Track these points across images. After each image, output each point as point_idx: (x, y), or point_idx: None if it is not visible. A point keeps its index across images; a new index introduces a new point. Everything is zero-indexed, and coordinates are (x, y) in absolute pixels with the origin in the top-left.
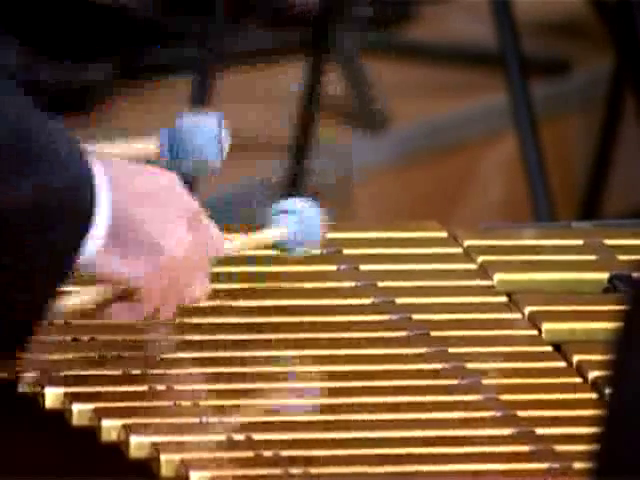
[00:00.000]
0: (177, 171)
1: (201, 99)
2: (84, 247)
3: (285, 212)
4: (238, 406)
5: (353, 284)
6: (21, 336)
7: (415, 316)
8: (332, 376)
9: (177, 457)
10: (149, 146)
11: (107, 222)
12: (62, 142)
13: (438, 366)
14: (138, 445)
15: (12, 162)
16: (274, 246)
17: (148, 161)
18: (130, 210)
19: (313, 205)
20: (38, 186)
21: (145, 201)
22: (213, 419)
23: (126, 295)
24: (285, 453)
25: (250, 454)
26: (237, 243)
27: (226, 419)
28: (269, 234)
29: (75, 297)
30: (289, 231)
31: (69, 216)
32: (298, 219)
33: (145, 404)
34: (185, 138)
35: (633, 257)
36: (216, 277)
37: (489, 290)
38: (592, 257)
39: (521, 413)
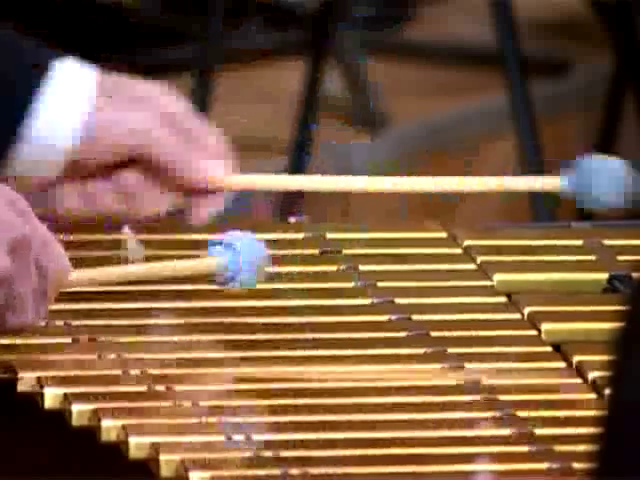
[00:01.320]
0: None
1: (201, 99)
2: None
3: (220, 244)
4: (238, 406)
5: (352, 284)
6: None
7: (414, 316)
8: (332, 376)
9: (177, 457)
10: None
11: None
12: None
13: (438, 366)
14: (138, 445)
15: None
16: (207, 276)
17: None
18: None
19: (251, 241)
20: None
21: None
22: (212, 419)
23: None
24: (285, 453)
25: (250, 454)
26: (92, 274)
27: (226, 419)
28: (197, 263)
29: None
30: (219, 263)
31: None
32: (232, 253)
33: (145, 404)
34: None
35: (632, 257)
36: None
37: (489, 290)
38: (591, 257)
39: (521, 413)
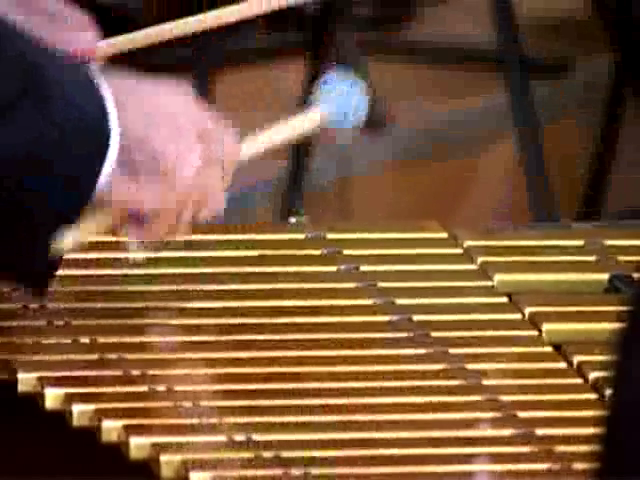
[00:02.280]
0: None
1: (201, 99)
2: (100, 172)
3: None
4: (238, 407)
5: (353, 285)
6: (50, 265)
7: (415, 317)
8: (332, 377)
9: (177, 458)
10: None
11: (117, 145)
12: (71, 73)
13: (438, 367)
14: (138, 446)
15: (23, 95)
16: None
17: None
18: (138, 132)
19: (348, 83)
20: (49, 117)
21: (153, 121)
22: (213, 420)
23: (136, 217)
24: (285, 454)
25: (250, 455)
26: (258, 142)
27: (226, 420)
28: (302, 119)
29: (76, 231)
30: (326, 111)
31: (83, 144)
32: (334, 97)
33: (145, 405)
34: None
35: (633, 258)
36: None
37: (489, 291)
38: (592, 258)
39: (521, 414)
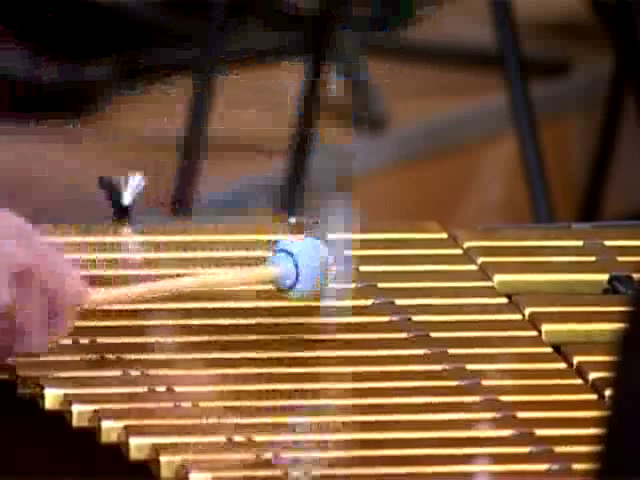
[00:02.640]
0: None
1: (201, 100)
2: None
3: (283, 251)
4: (238, 407)
5: (352, 285)
6: None
7: (415, 317)
8: (332, 377)
9: (177, 458)
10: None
11: None
12: None
13: (438, 367)
14: (138, 446)
15: None
16: (271, 282)
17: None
18: None
19: (314, 247)
20: None
21: None
22: (213, 420)
23: None
24: (285, 454)
25: (250, 456)
26: (110, 294)
27: (226, 420)
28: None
29: None
30: (278, 273)
31: None
32: (293, 260)
33: (145, 405)
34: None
35: (633, 258)
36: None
37: (489, 291)
38: (592, 258)
39: (521, 414)
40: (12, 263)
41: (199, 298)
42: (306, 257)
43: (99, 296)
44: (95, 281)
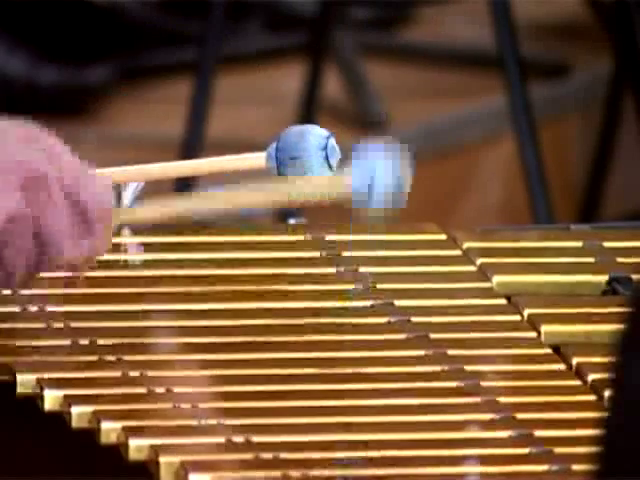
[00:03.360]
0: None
1: (201, 101)
2: None
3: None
4: (237, 408)
5: (352, 286)
6: None
7: (414, 318)
8: (331, 378)
9: (176, 459)
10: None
11: None
12: None
13: (437, 368)
14: (137, 447)
15: None
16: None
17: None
18: None
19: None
20: None
21: None
22: (212, 421)
23: None
24: (284, 455)
25: (249, 456)
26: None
27: (225, 421)
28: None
29: None
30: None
31: None
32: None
33: (144, 406)
34: (289, 146)
35: (632, 259)
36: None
37: (488, 292)
38: (591, 259)
39: (520, 415)
40: (24, 168)
41: (199, 299)
42: (382, 177)
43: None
44: (95, 283)
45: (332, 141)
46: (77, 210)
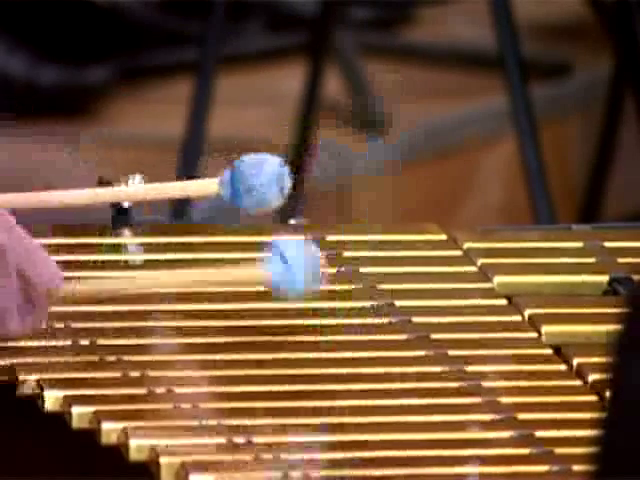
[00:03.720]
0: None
1: (201, 102)
2: None
3: (275, 252)
4: (238, 409)
5: (352, 286)
6: None
7: (415, 319)
8: (331, 379)
9: (177, 460)
10: (209, 186)
11: None
12: None
13: (438, 368)
14: (138, 448)
15: None
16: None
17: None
18: None
19: (304, 249)
20: None
21: None
22: (213, 422)
23: None
24: (285, 456)
25: (250, 457)
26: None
27: (226, 422)
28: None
29: None
30: (270, 274)
31: None
32: (282, 261)
33: (145, 407)
34: (246, 177)
35: (633, 260)
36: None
37: (489, 293)
38: (592, 260)
39: (521, 416)
40: None
41: (199, 300)
42: (298, 258)
43: (74, 285)
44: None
45: (286, 170)
46: (26, 286)
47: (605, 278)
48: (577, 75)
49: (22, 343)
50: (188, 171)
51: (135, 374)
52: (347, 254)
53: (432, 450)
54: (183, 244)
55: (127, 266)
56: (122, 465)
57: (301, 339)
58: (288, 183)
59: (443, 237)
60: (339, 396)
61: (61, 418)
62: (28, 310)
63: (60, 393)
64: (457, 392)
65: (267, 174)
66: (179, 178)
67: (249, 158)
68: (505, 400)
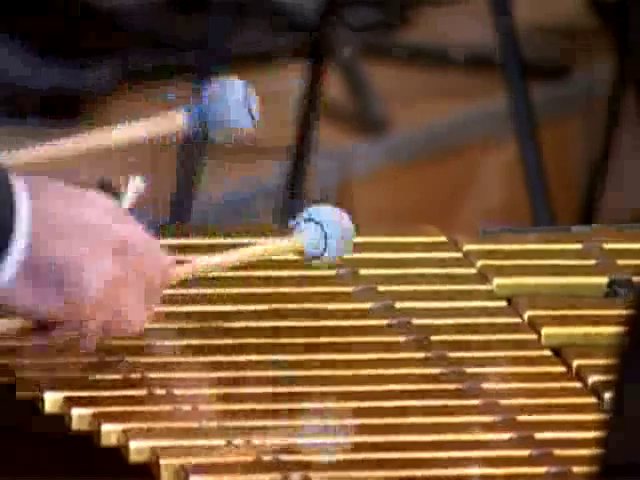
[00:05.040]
0: (208, 140)
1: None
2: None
3: (310, 220)
4: (238, 410)
5: (352, 288)
6: None
7: (414, 320)
8: (331, 380)
9: (177, 462)
10: (176, 120)
11: (24, 253)
12: None
13: (437, 370)
14: (138, 449)
15: None
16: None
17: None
18: (47, 239)
19: (337, 218)
20: None
21: (65, 230)
22: (213, 423)
23: (40, 324)
24: (285, 458)
25: (250, 459)
26: (199, 263)
27: (226, 423)
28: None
29: None
30: (308, 241)
31: None
32: (315, 229)
33: (145, 408)
34: (213, 107)
35: (633, 261)
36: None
37: (488, 294)
38: (592, 261)
39: (520, 417)
40: (113, 238)
41: (200, 300)
42: (333, 225)
43: (182, 269)
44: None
45: (250, 89)
46: (144, 279)
47: (605, 280)
48: (577, 76)
49: (21, 344)
50: (188, 172)
51: (135, 376)
52: (347, 256)
53: (432, 452)
54: (185, 245)
55: None
56: (122, 467)
57: (300, 341)
58: (254, 100)
59: (443, 239)
60: (339, 398)
61: (61, 420)
62: (146, 301)
63: (60, 394)
64: (457, 394)
65: (233, 99)
66: (179, 179)
67: (212, 87)
68: (505, 402)
